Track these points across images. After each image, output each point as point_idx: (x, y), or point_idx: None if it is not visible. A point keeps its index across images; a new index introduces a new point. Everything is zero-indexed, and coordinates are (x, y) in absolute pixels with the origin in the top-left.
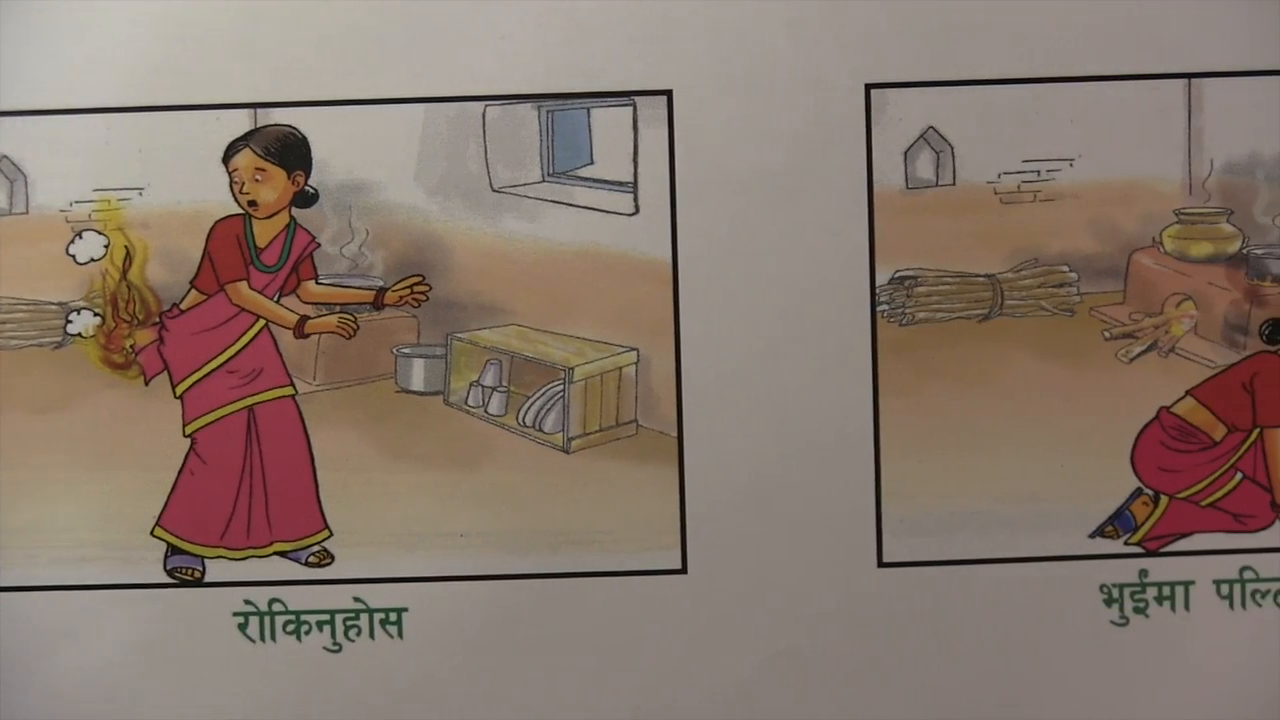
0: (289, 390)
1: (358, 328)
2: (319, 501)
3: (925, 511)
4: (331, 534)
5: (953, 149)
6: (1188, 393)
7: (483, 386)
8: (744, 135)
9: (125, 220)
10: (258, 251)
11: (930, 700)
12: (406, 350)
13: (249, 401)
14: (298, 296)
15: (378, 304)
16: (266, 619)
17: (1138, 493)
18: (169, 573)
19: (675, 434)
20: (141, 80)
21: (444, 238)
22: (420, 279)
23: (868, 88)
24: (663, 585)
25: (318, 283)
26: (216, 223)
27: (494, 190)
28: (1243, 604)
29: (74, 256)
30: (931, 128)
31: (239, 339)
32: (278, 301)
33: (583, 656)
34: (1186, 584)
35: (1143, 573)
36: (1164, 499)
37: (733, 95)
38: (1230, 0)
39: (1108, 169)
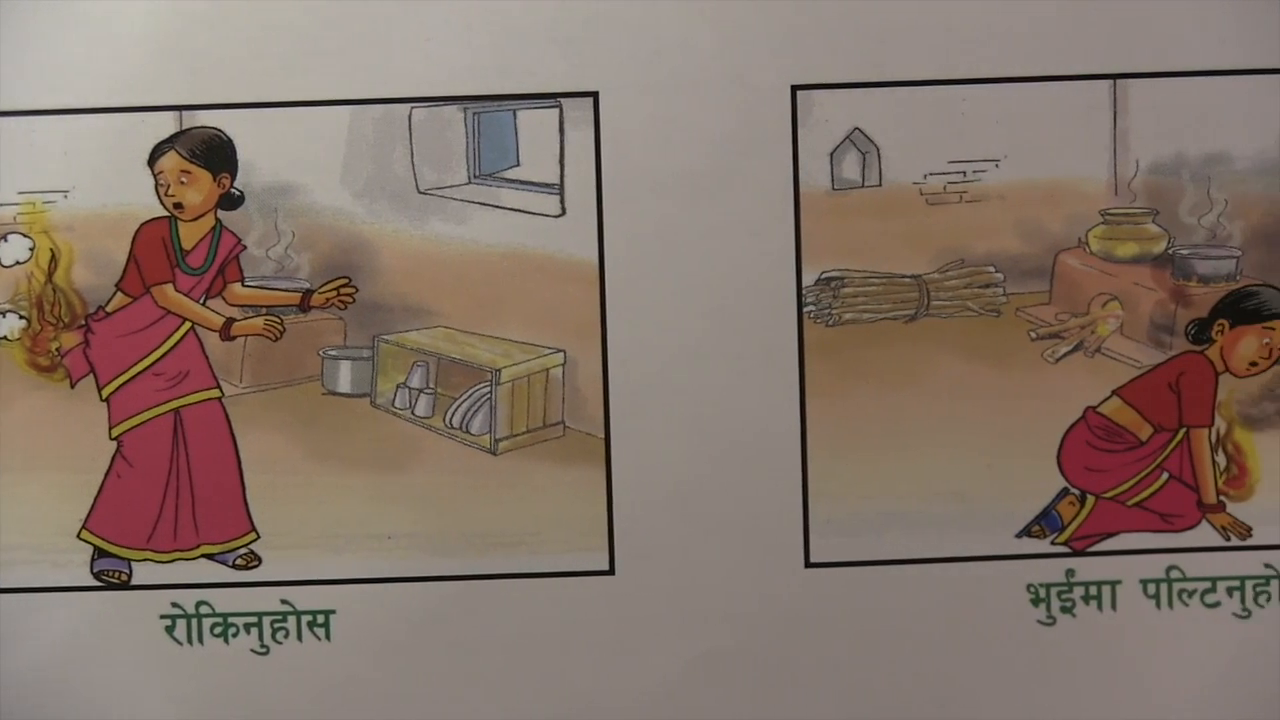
0: (215, 393)
1: (284, 330)
2: (246, 504)
3: (852, 512)
4: (258, 536)
5: (879, 150)
6: (1114, 393)
7: (409, 388)
8: (670, 137)
9: (50, 223)
10: (183, 254)
11: (858, 701)
12: (333, 352)
13: (175, 404)
14: (224, 299)
15: (304, 306)
16: (194, 621)
17: (1064, 492)
18: (96, 575)
19: (602, 435)
20: (66, 82)
21: (370, 240)
22: (346, 281)
23: (794, 89)
24: (590, 586)
25: (244, 285)
26: (142, 225)
27: (420, 192)
28: (1169, 603)
29: None
30: (857, 129)
31: (165, 342)
32: (204, 304)
33: (510, 658)
34: (1113, 583)
35: (1070, 572)
36: (1090, 499)
37: (659, 97)
38: (1155, 1)
39: (1034, 170)
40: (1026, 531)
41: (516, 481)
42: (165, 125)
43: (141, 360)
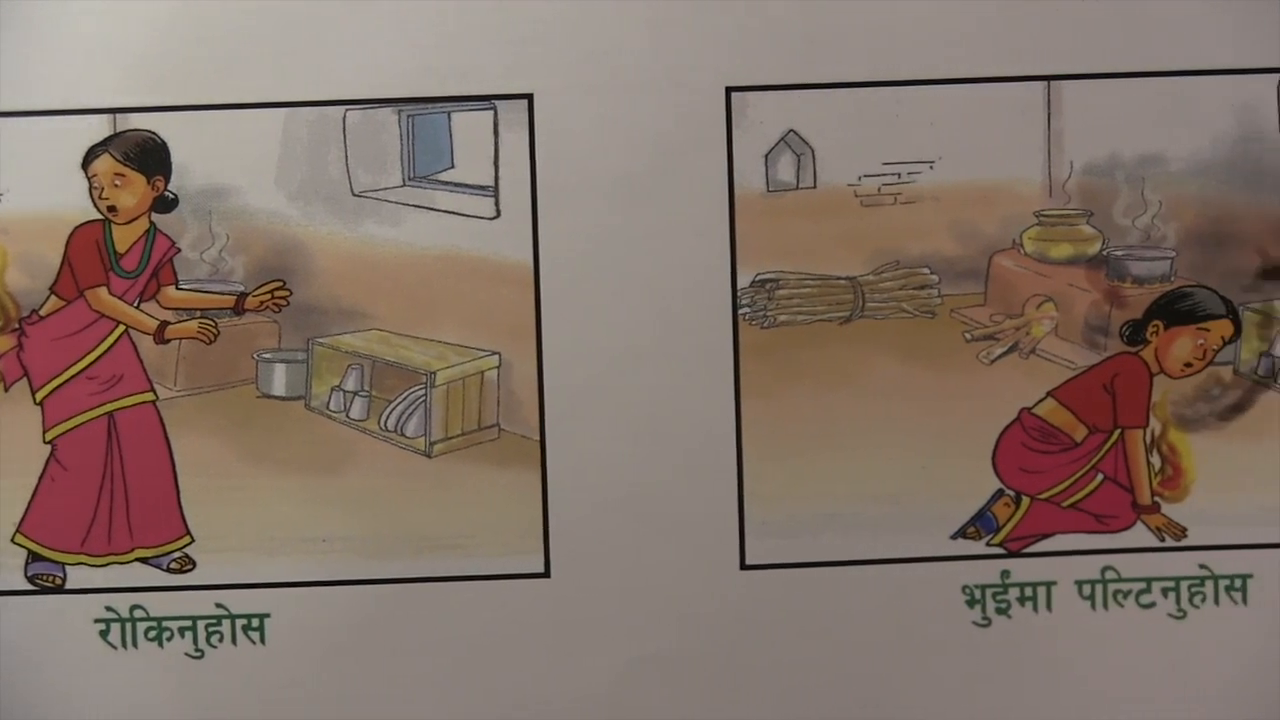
0: (149, 396)
1: (218, 333)
2: (180, 507)
3: (788, 514)
4: (193, 540)
5: (813, 152)
6: (1049, 394)
7: (344, 391)
8: (605, 138)
9: None
10: (117, 257)
11: (794, 702)
12: (267, 355)
13: (109, 408)
14: (158, 302)
15: (238, 309)
16: (128, 625)
17: (999, 494)
18: (30, 580)
19: (538, 438)
20: None
21: (305, 242)
22: (281, 284)
23: (728, 90)
24: (526, 590)
25: (178, 288)
26: (76, 228)
27: (354, 195)
28: (1104, 605)
29: None
30: (792, 130)
31: (99, 345)
32: (138, 307)
33: (446, 661)
34: (1048, 585)
35: (1005, 574)
36: (1025, 500)
37: (593, 98)
38: (1088, 3)
39: (968, 171)
40: (962, 533)
41: (451, 484)
42: (99, 128)
43: (75, 364)
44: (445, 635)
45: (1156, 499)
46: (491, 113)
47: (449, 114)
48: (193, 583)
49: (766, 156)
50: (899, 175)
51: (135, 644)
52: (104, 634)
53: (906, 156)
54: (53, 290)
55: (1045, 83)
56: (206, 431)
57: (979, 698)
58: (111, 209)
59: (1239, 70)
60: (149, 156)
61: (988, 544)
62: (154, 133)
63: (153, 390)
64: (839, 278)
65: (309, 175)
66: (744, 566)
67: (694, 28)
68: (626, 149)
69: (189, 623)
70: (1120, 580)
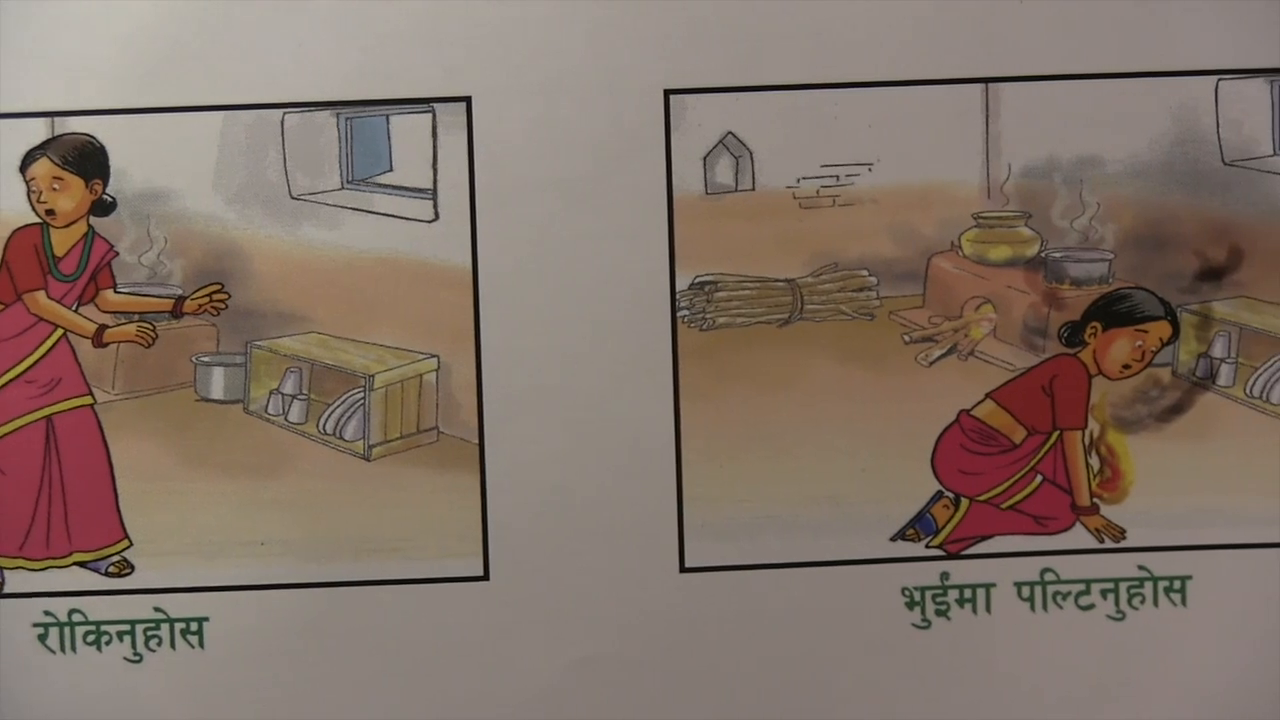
0: (88, 400)
1: (156, 336)
2: (118, 511)
3: (727, 516)
4: (131, 544)
5: (752, 154)
6: (987, 395)
7: (283, 394)
8: (543, 141)
9: None
10: (56, 260)
11: (734, 705)
12: (206, 359)
13: (47, 411)
14: (96, 305)
15: (176, 312)
16: (66, 630)
17: (938, 495)
18: None
19: (476, 441)
20: None
21: (243, 246)
22: (219, 287)
23: (667, 93)
24: (465, 592)
25: (116, 291)
26: (14, 232)
27: (293, 198)
28: (1044, 606)
29: None
30: (731, 133)
31: (37, 349)
32: (76, 311)
33: (385, 664)
34: (988, 586)
35: (944, 575)
36: (965, 502)
37: (532, 101)
38: (1025, 5)
39: (906, 173)
40: (901, 535)
41: (390, 487)
42: (37, 131)
43: (13, 368)
44: (384, 638)
45: (1095, 500)
46: (430, 116)
47: (387, 117)
48: (131, 586)
49: (705, 159)
50: (837, 178)
51: (74, 648)
52: (42, 638)
53: (845, 159)
54: None
55: (983, 85)
56: (145, 435)
57: (919, 699)
58: (50, 212)
59: (1177, 72)
60: (87, 160)
61: (927, 546)
62: (92, 136)
63: (91, 394)
64: (778, 280)
65: (247, 178)
66: (683, 569)
67: (632, 31)
68: (565, 152)
69: (127, 626)
70: (1059, 582)
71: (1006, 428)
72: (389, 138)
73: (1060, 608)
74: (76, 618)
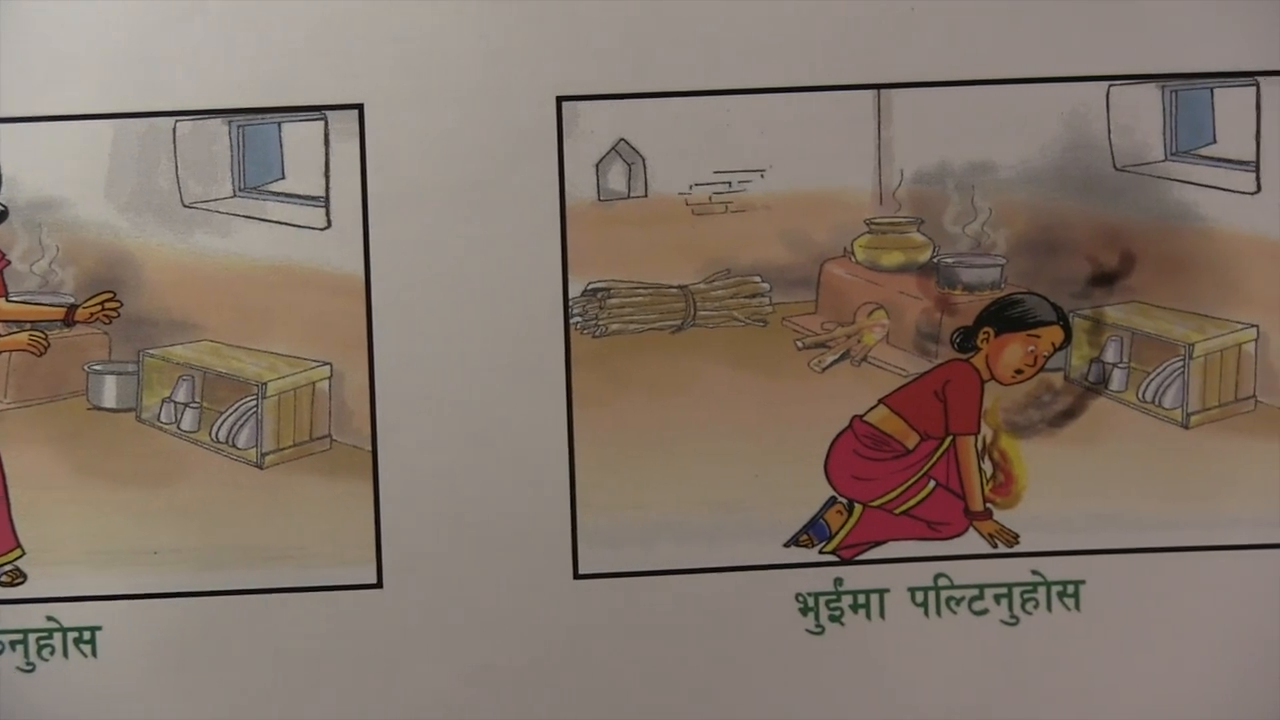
0: None
1: (49, 345)
2: (11, 520)
3: (620, 523)
4: (24, 553)
5: (644, 161)
6: (880, 401)
7: (175, 403)
8: (436, 148)
9: None
10: None
11: (628, 711)
12: (98, 367)
13: None
14: None
15: (69, 321)
16: None
17: (832, 501)
18: None
19: (369, 448)
20: None
21: (135, 254)
22: (111, 295)
23: (559, 100)
24: (358, 600)
25: (7, 300)
26: None
27: (185, 206)
28: (937, 611)
29: None
30: (623, 139)
31: None
32: None
33: (279, 672)
34: (881, 592)
35: (838, 581)
36: (858, 507)
37: (424, 109)
38: (917, 12)
39: (799, 180)
40: (795, 540)
41: (283, 495)
42: None
43: None
44: (278, 646)
45: (989, 505)
46: (322, 123)
47: (279, 124)
48: (23, 595)
49: (598, 165)
50: (730, 184)
51: None
52: None
53: (737, 165)
54: None
55: (875, 91)
56: (37, 444)
57: (813, 705)
58: None
59: (1068, 78)
60: None
61: (821, 552)
62: None
63: None
64: (671, 286)
65: (139, 186)
66: (577, 575)
67: (524, 38)
68: (457, 159)
69: (20, 636)
70: (953, 587)
71: (899, 433)
72: (281, 145)
73: (954, 613)
74: None
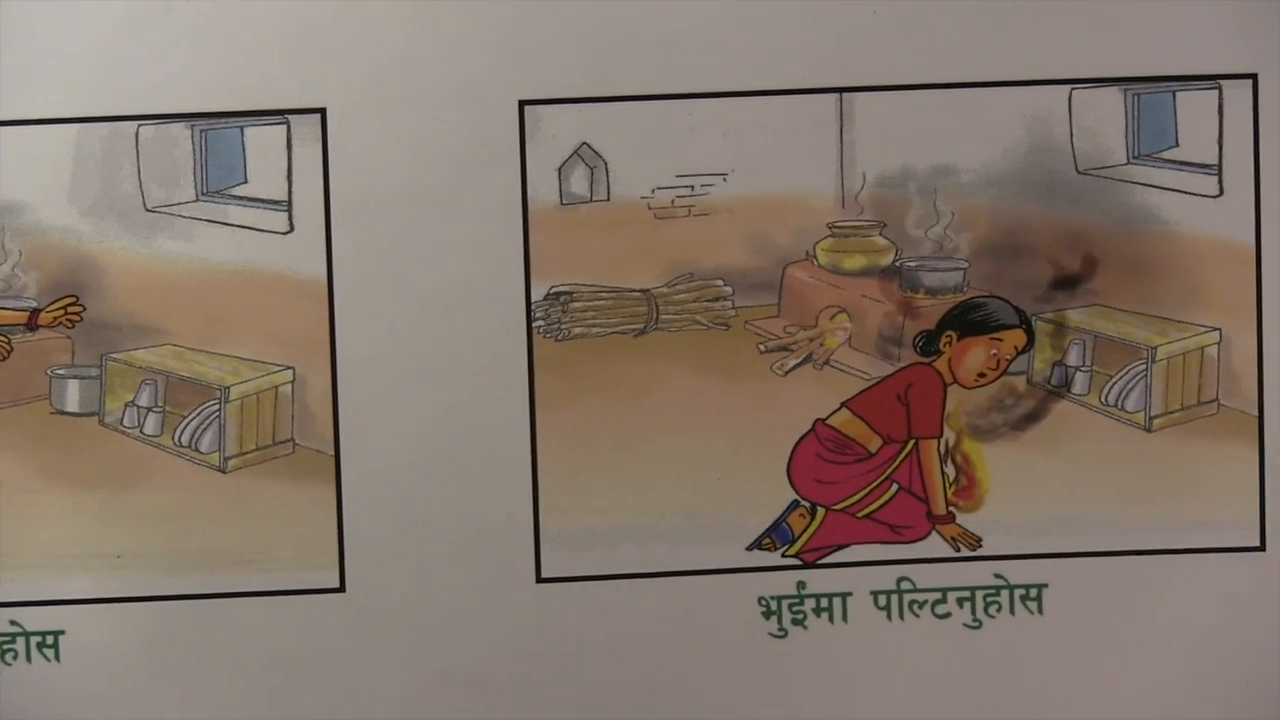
0: None
1: (11, 349)
2: None
3: (583, 526)
4: None
5: (607, 164)
6: (843, 404)
7: (138, 407)
8: (398, 153)
9: None
10: None
11: (591, 714)
12: (61, 371)
13: None
14: None
15: (31, 325)
16: None
17: (794, 505)
18: None
19: (332, 452)
20: None
21: (98, 258)
22: (74, 300)
23: (521, 104)
24: (321, 604)
25: None
26: None
27: (148, 210)
28: (900, 615)
29: None
30: (585, 143)
31: None
32: None
33: (242, 676)
34: (844, 595)
35: (801, 584)
36: (821, 511)
37: (387, 113)
38: (878, 16)
39: (761, 183)
40: (757, 544)
41: (246, 499)
42: None
43: None
44: (241, 651)
45: (951, 509)
46: (284, 127)
47: (242, 129)
48: None
49: (560, 169)
50: (692, 188)
51: None
52: None
53: (700, 169)
54: None
55: (837, 95)
56: (0, 448)
57: (776, 708)
58: None
59: (1030, 82)
60: None
61: (783, 555)
62: None
63: None
64: (633, 290)
65: (102, 191)
66: (540, 579)
67: (487, 42)
68: (420, 163)
69: None
70: (916, 590)
71: (862, 436)
72: (244, 150)
73: (917, 616)
74: None
